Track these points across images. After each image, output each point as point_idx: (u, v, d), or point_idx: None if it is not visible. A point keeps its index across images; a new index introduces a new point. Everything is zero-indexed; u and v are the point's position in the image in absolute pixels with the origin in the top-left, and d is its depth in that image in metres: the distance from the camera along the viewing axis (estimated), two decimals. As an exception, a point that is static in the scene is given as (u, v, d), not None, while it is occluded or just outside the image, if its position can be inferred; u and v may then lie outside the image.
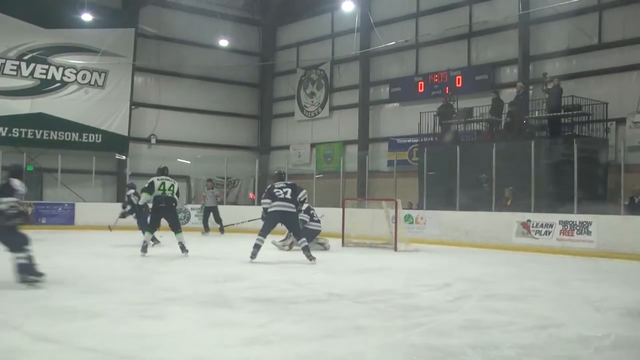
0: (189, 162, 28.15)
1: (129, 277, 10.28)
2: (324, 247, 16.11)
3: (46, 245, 16.15)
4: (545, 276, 11.61)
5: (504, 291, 9.49)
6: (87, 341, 5.81)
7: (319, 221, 16.34)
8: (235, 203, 27.58)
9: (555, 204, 17.50)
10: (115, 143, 27.44)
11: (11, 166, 9.74)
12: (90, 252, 14.94)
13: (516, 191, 18.46)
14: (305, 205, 15.93)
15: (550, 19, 21.52)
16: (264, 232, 13.03)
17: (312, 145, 30.46)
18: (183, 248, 13.87)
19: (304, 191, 14.07)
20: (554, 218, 16.42)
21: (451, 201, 19.12)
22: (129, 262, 12.84)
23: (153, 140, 29.45)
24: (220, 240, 19.69)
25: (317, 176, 24.64)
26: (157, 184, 14.06)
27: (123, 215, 17.50)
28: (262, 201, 13.44)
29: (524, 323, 6.96)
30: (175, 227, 14.06)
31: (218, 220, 21.86)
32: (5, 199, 8.96)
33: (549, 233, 16.40)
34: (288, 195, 12.94)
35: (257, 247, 12.85)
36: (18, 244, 8.97)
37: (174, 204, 14.19)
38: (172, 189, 14.06)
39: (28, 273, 8.91)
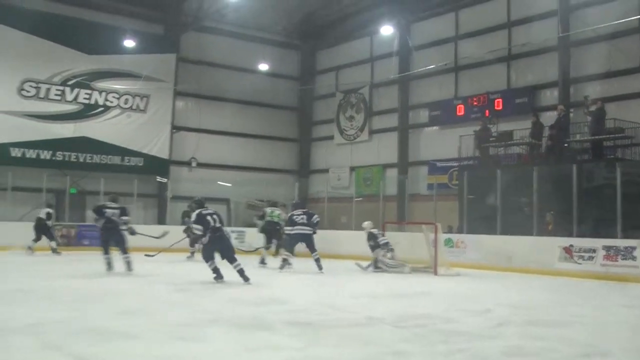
0: (229, 184, 28.35)
1: (170, 299, 10.35)
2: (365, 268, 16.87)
3: (88, 266, 16.36)
4: (589, 302, 11.44)
5: (546, 317, 9.35)
6: (128, 363, 5.86)
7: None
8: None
9: (598, 229, 17.25)
10: (156, 166, 27.81)
11: (197, 200, 13.83)
12: (130, 273, 15.07)
13: (558, 215, 18.24)
14: (377, 230, 17.44)
15: (590, 41, 21.35)
16: (290, 249, 16.24)
17: (352, 169, 30.48)
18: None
19: (316, 215, 16.55)
20: (597, 243, 16.14)
21: (492, 225, 18.95)
22: (169, 283, 12.90)
23: (194, 164, 29.75)
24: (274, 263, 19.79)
25: (356, 199, 24.64)
26: (269, 211, 19.08)
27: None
28: (285, 228, 16.90)
29: (567, 351, 6.84)
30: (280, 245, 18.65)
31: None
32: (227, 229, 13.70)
33: (592, 258, 16.12)
34: (305, 220, 16.09)
35: (285, 260, 16.00)
36: (234, 256, 12.93)
37: (278, 227, 18.49)
38: (279, 216, 18.73)
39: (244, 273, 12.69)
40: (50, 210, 20.60)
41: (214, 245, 12.81)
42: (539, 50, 22.78)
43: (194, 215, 13.01)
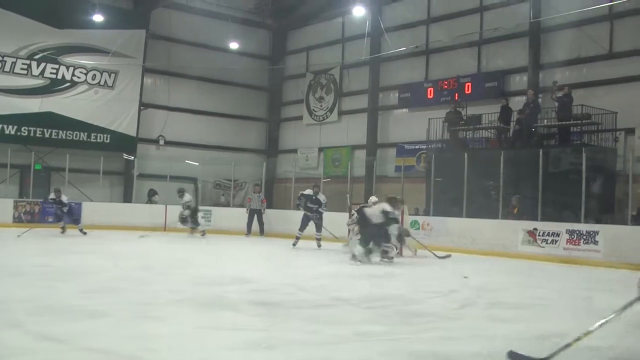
0: (197, 164, 28.16)
1: (135, 278, 10.28)
2: None
3: (52, 244, 16.23)
4: (551, 285, 11.59)
5: (509, 299, 9.46)
6: (90, 341, 5.80)
7: None
8: (242, 205, 27.53)
9: (562, 213, 17.46)
10: (123, 143, 27.44)
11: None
12: (96, 251, 14.98)
13: (523, 199, 18.42)
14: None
15: (561, 27, 21.39)
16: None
17: (320, 150, 30.41)
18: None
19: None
20: (561, 227, 16.36)
21: (458, 208, 19.08)
22: (135, 262, 12.86)
23: (161, 142, 29.43)
24: (242, 243, 19.85)
25: (324, 180, 24.61)
26: None
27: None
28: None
29: (528, 332, 6.93)
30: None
31: (261, 223, 22.73)
32: None
33: (556, 242, 16.34)
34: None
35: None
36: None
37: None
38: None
39: None
40: None
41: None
42: (510, 35, 22.79)
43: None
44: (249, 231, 22.52)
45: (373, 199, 16.75)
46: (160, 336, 6.14)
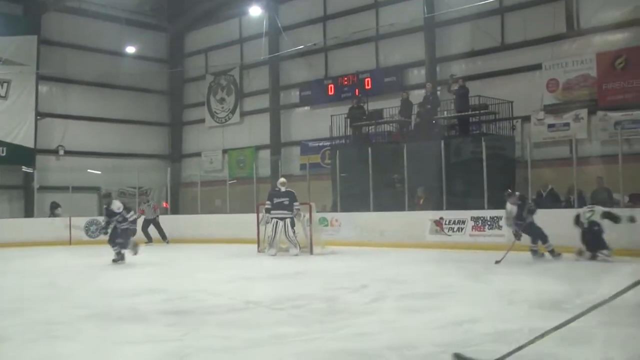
0: (99, 172, 27.41)
1: (38, 295, 9.90)
2: None
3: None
4: (460, 272, 11.82)
5: (419, 290, 9.61)
6: (-7, 366, 5.56)
7: None
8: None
9: (466, 201, 17.86)
10: (21, 155, 26.29)
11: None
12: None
13: (428, 190, 18.75)
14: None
15: (455, 21, 21.96)
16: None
17: (224, 152, 30.15)
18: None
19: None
20: (466, 215, 16.76)
21: (365, 202, 19.26)
22: (38, 278, 12.37)
23: (61, 152, 28.43)
24: (147, 252, 19.41)
25: (230, 182, 24.45)
26: None
27: None
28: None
29: (440, 320, 7.05)
30: None
31: (160, 230, 21.89)
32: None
33: (462, 229, 16.74)
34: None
35: None
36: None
37: None
38: None
39: None
40: None
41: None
42: (406, 30, 23.20)
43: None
44: (149, 239, 21.65)
45: (282, 179, 16.93)
46: (69, 355, 5.93)
